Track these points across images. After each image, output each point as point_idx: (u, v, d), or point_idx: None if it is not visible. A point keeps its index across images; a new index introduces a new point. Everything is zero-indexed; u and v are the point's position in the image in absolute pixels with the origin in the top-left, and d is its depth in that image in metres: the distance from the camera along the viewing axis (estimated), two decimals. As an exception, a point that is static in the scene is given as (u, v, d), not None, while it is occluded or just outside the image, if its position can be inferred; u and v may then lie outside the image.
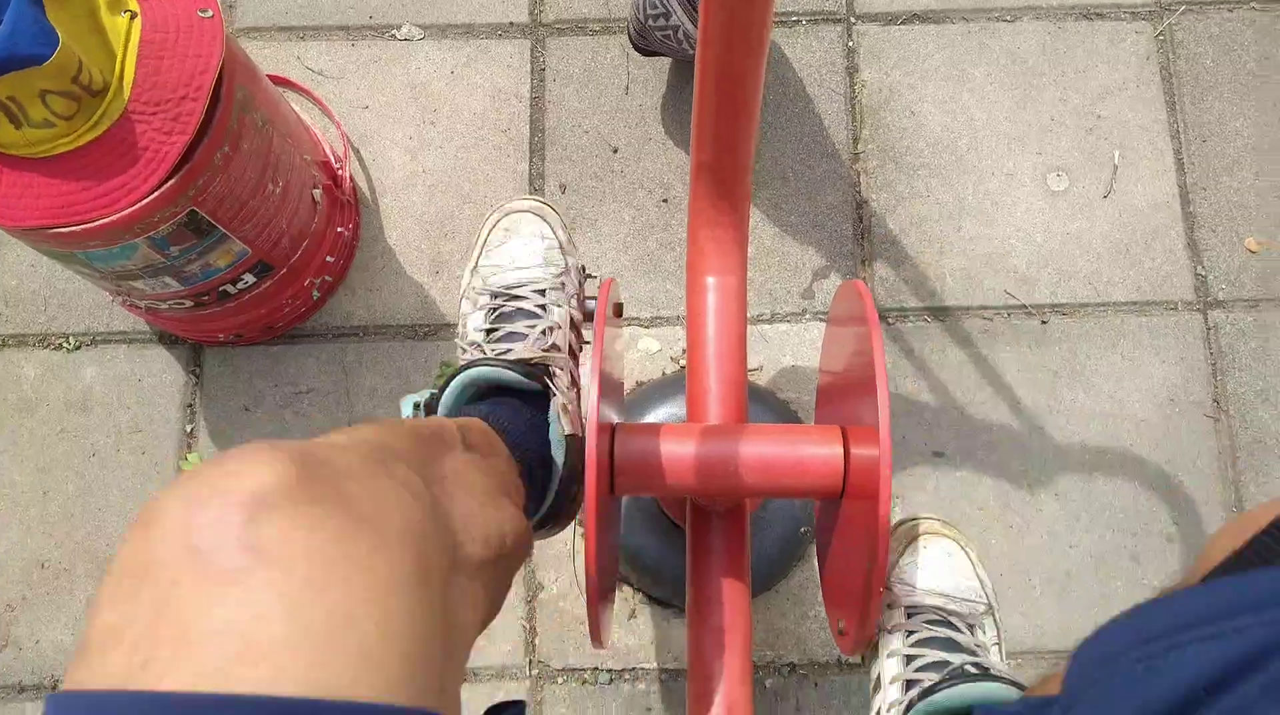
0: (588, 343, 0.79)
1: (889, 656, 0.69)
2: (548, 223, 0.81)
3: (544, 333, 0.73)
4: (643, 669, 1.01)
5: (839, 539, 0.69)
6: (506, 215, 0.81)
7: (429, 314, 1.10)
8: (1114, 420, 1.08)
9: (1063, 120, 1.17)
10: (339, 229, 1.06)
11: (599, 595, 0.62)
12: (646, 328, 1.10)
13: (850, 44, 1.20)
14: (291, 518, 0.29)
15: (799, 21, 1.20)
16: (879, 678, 0.69)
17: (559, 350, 0.73)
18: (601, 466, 0.63)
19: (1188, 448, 1.07)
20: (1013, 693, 0.63)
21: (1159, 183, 1.15)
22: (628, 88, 1.17)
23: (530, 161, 1.15)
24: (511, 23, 1.20)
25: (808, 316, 1.10)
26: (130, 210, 0.76)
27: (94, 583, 1.03)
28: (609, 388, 0.67)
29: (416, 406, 0.66)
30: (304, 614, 0.27)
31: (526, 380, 0.67)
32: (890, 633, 0.69)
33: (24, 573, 1.04)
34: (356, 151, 1.15)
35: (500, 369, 0.67)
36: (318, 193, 1.01)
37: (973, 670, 0.66)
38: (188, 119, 0.77)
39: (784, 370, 1.09)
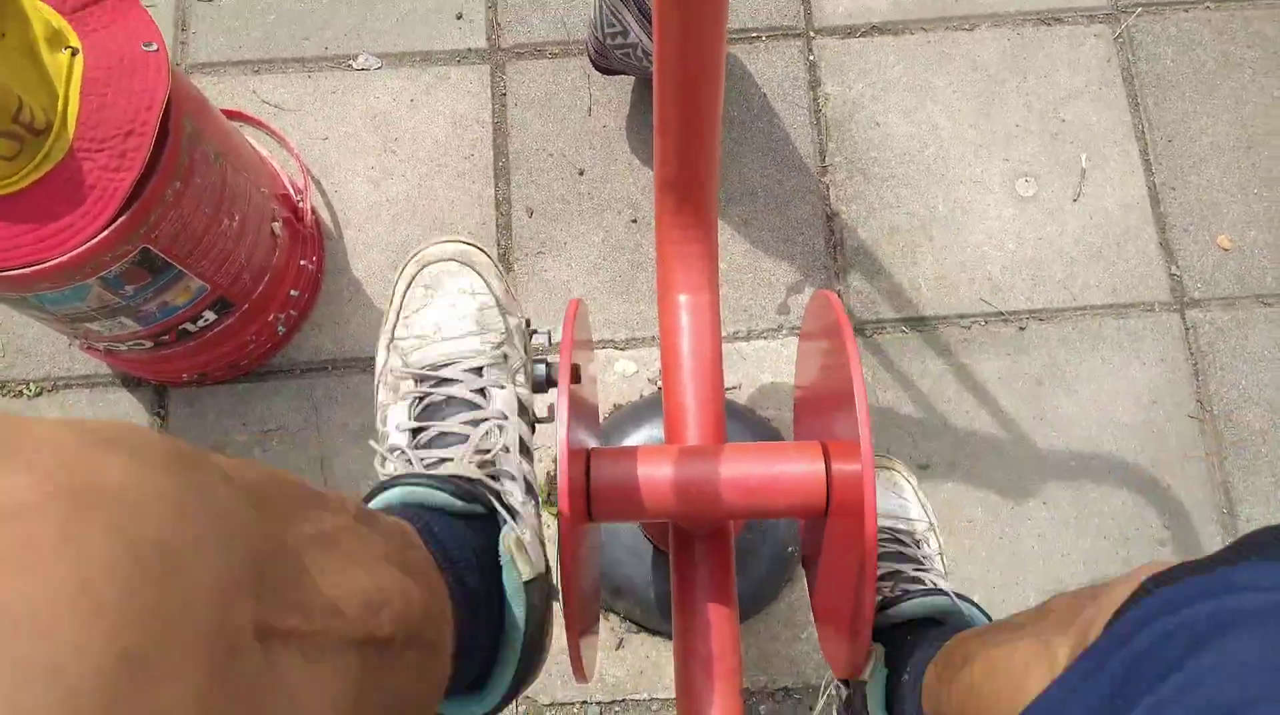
0: (543, 420, 0.64)
1: None
2: (478, 272, 0.64)
3: (486, 432, 0.57)
4: (632, 700, 0.98)
5: (826, 557, 0.67)
6: (425, 267, 0.64)
7: (397, 346, 1.08)
8: (1098, 425, 1.06)
9: (1027, 126, 1.17)
10: (302, 262, 1.04)
11: (579, 628, 0.60)
12: (622, 349, 1.08)
13: (811, 58, 1.19)
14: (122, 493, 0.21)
15: (759, 37, 1.20)
16: None
17: (508, 451, 0.58)
18: (577, 493, 0.61)
19: (1174, 450, 1.06)
20: (962, 605, 0.69)
21: (1128, 184, 1.15)
22: (590, 109, 1.16)
23: (496, 186, 1.14)
24: (470, 48, 1.19)
25: (784, 332, 1.09)
26: (79, 250, 0.74)
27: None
28: (583, 412, 0.65)
29: None
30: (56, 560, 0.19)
31: (465, 503, 0.53)
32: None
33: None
34: (318, 183, 1.13)
35: (430, 489, 0.52)
36: (278, 226, 0.99)
37: (926, 582, 0.72)
38: (134, 154, 0.75)
39: (763, 387, 1.07)
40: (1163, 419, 1.07)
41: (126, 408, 1.06)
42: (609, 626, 1.00)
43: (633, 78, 1.16)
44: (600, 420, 1.00)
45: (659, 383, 1.06)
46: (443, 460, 0.56)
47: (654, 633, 0.99)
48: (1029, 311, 1.10)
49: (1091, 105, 1.18)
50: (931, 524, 0.84)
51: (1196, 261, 1.12)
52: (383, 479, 0.55)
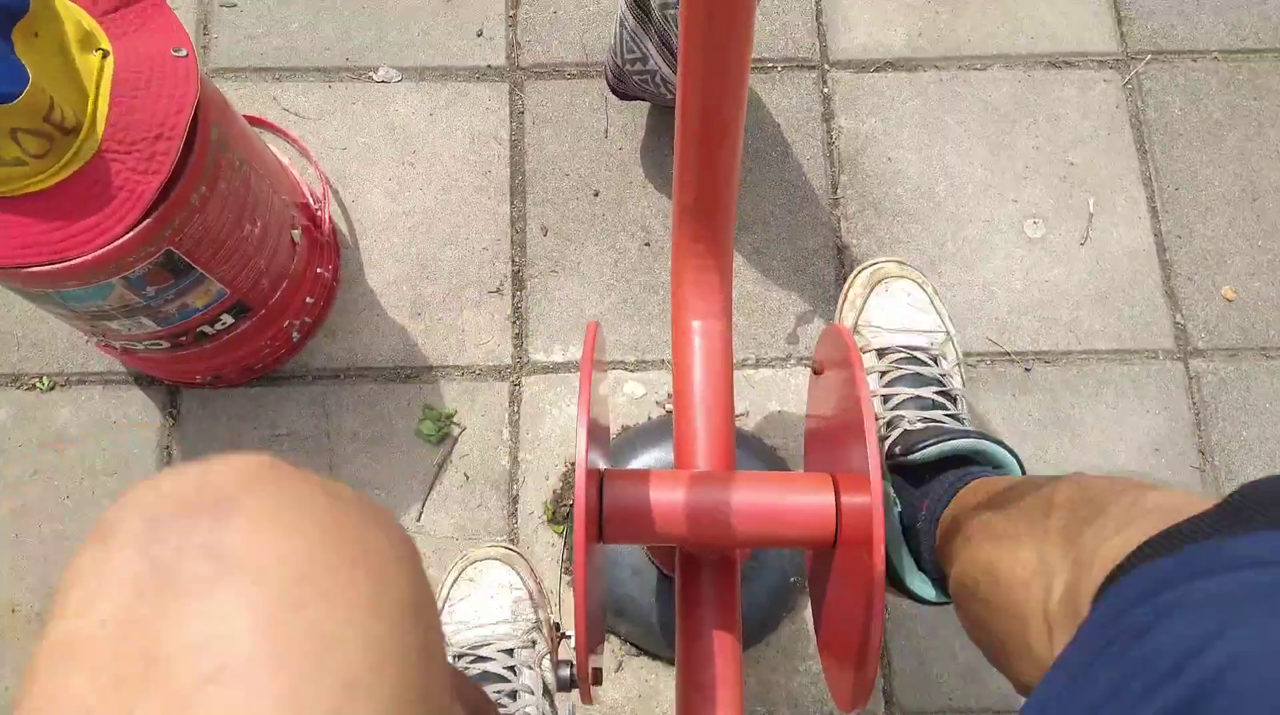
0: None
1: None
2: (516, 571, 0.77)
3: (512, 699, 0.67)
4: (625, 722, 0.98)
5: (833, 589, 0.68)
6: (470, 564, 0.76)
7: (410, 357, 1.09)
8: (1100, 471, 1.07)
9: (1037, 167, 1.19)
10: (318, 270, 1.05)
11: (588, 648, 0.60)
12: (631, 371, 1.09)
13: (825, 91, 1.21)
14: (261, 521, 0.26)
15: (775, 68, 1.22)
16: None
17: None
18: (590, 514, 0.62)
19: (1170, 493, 1.07)
20: (989, 446, 0.70)
21: (1134, 230, 1.16)
22: (607, 131, 1.18)
23: (511, 203, 1.15)
24: (489, 65, 1.20)
25: (793, 361, 1.10)
26: (105, 250, 0.74)
27: (53, 636, 0.99)
28: (595, 432, 0.66)
29: None
30: (277, 632, 0.24)
31: None
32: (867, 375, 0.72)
33: (-15, 622, 1.00)
34: (335, 193, 1.14)
35: None
36: (297, 233, 1.00)
37: (949, 407, 0.75)
38: (163, 158, 0.76)
39: (770, 416, 1.08)
40: (1165, 468, 1.08)
41: (139, 407, 1.06)
42: (610, 649, 1.00)
43: (649, 103, 1.17)
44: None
45: (667, 406, 1.07)
46: None
47: (654, 657, 0.99)
48: (1034, 353, 1.11)
49: (1100, 150, 1.19)
50: (949, 333, 0.85)
51: (1201, 311, 1.14)
52: None
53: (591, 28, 1.22)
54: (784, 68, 1.22)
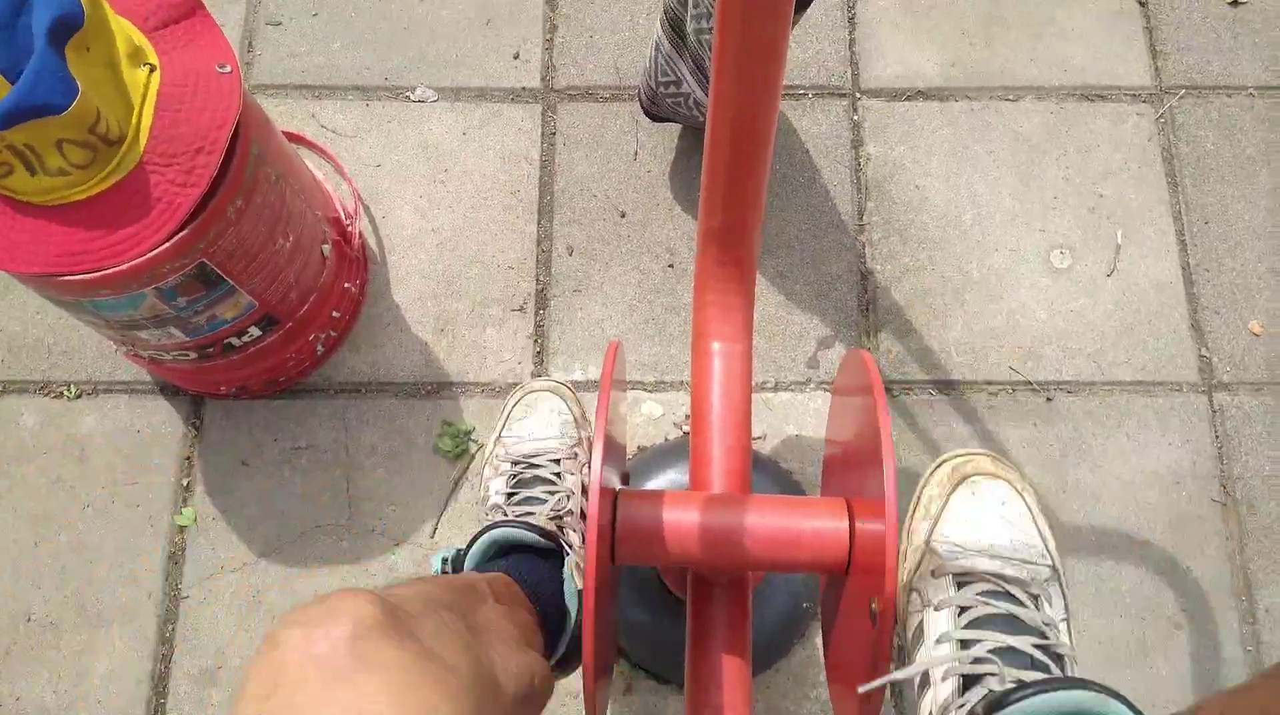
0: None
1: (938, 643, 0.57)
2: (565, 401, 0.90)
3: (559, 499, 0.80)
4: (636, 743, 0.98)
5: (844, 615, 0.68)
6: (529, 393, 0.91)
7: (432, 372, 1.10)
8: (1121, 501, 1.06)
9: (1065, 199, 1.18)
10: (346, 285, 1.07)
11: (597, 669, 0.61)
12: (650, 391, 1.10)
13: (855, 118, 1.22)
14: (384, 639, 0.38)
15: (805, 95, 1.22)
16: (926, 672, 0.57)
17: (572, 515, 0.80)
18: (603, 534, 0.62)
19: (1195, 533, 1.06)
20: (1109, 703, 0.51)
21: (1162, 263, 1.16)
22: (636, 154, 1.19)
23: (539, 223, 1.16)
24: (524, 88, 1.22)
25: (812, 386, 1.10)
26: (140, 260, 0.76)
27: (82, 638, 1.01)
28: (612, 452, 0.66)
29: (445, 561, 0.73)
30: (403, 702, 0.36)
31: (544, 540, 0.74)
32: (937, 610, 0.58)
33: (10, 625, 1.01)
34: (367, 208, 1.16)
35: (521, 530, 0.74)
36: (327, 248, 1.02)
37: (1054, 670, 0.54)
38: (202, 172, 0.78)
39: (787, 440, 1.08)
40: (1185, 501, 1.07)
41: (163, 416, 1.08)
42: (618, 670, 1.00)
43: (680, 126, 1.19)
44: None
45: (684, 427, 1.07)
46: (528, 513, 0.79)
47: (663, 680, 0.99)
48: (1057, 383, 1.11)
49: (1130, 183, 1.19)
50: (1055, 567, 0.62)
51: (1227, 345, 1.13)
52: (485, 523, 0.78)
53: (626, 52, 1.23)
54: (815, 94, 1.22)
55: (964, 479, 0.64)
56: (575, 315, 1.12)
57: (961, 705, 0.53)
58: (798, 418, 1.09)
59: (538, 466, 0.83)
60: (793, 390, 1.10)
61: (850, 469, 0.70)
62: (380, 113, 1.20)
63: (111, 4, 0.77)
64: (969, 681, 0.55)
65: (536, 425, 0.87)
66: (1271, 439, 1.09)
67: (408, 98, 1.21)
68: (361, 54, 1.23)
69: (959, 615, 0.57)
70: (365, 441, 1.07)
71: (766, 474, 1.02)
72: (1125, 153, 1.20)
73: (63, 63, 0.70)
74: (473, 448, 1.07)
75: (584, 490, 0.83)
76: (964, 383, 1.11)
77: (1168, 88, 1.23)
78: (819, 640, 1.00)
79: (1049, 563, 0.61)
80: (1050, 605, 0.59)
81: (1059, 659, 0.56)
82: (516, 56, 1.23)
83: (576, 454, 0.85)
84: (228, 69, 0.82)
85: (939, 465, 0.66)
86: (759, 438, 1.07)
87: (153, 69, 0.79)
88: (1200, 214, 1.18)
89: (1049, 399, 1.10)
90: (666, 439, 1.07)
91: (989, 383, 1.11)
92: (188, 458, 1.07)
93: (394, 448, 1.07)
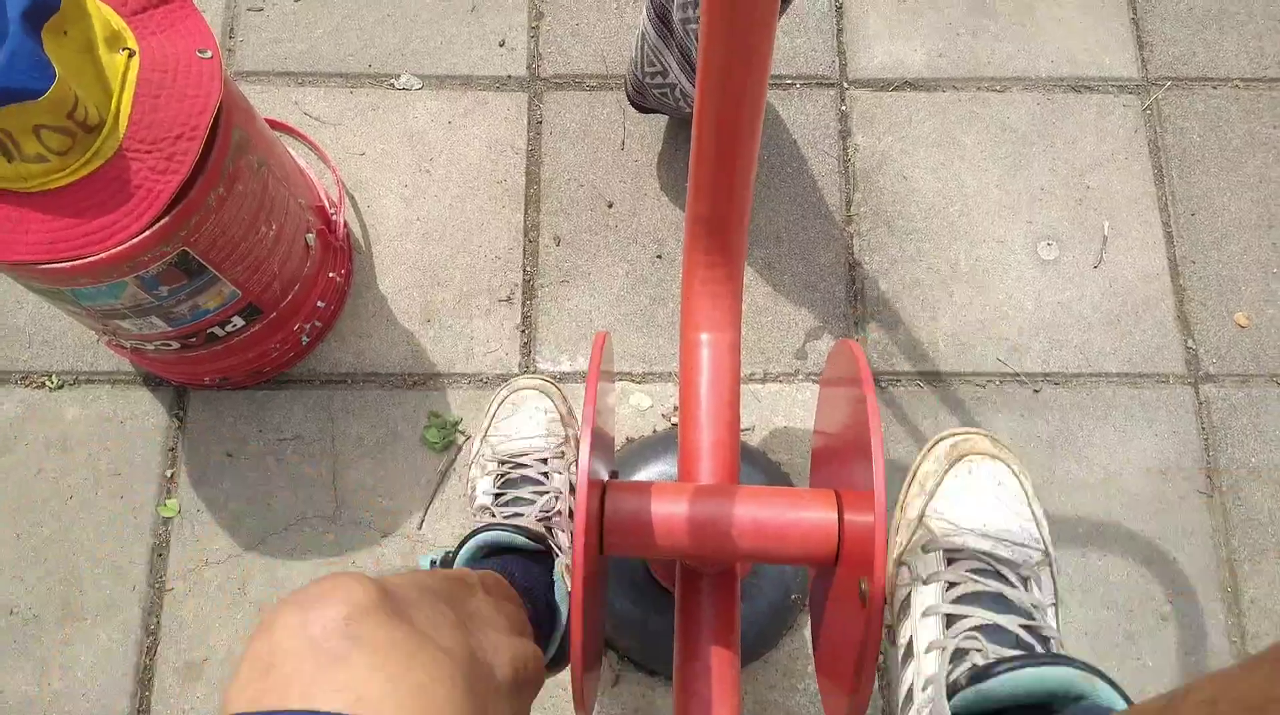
0: None
1: (924, 616, 0.57)
2: (551, 399, 0.88)
3: (547, 500, 0.79)
4: (623, 735, 0.98)
5: (833, 607, 0.67)
6: (515, 392, 0.89)
7: (419, 363, 1.09)
8: (1107, 493, 1.07)
9: (1052, 190, 1.18)
10: (331, 274, 1.06)
11: (586, 660, 0.60)
12: (638, 383, 1.09)
13: (843, 108, 1.21)
14: (378, 621, 0.38)
15: (793, 85, 1.22)
16: (910, 643, 0.57)
17: (561, 515, 0.79)
18: (591, 525, 0.62)
19: (1181, 523, 1.06)
20: (1096, 683, 0.50)
21: (1149, 255, 1.16)
22: (624, 143, 1.18)
23: (525, 213, 1.15)
24: (510, 76, 1.21)
25: (800, 377, 1.10)
26: (120, 248, 0.75)
27: (64, 631, 1.00)
28: (600, 444, 0.66)
29: (433, 562, 0.73)
30: (398, 682, 0.36)
31: (533, 543, 0.73)
32: (926, 584, 0.58)
33: (-13, 617, 1.00)
34: (351, 197, 1.15)
35: (509, 533, 0.73)
36: (311, 237, 1.00)
37: (1037, 648, 0.54)
38: (183, 158, 0.77)
39: (776, 431, 1.08)
40: (1171, 492, 1.07)
41: (146, 407, 1.07)
42: (607, 663, 1.00)
43: (667, 116, 1.18)
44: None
45: (673, 419, 1.07)
46: (516, 515, 0.78)
47: (652, 672, 0.99)
48: (1044, 374, 1.11)
49: (1117, 174, 1.19)
50: (1047, 552, 0.62)
51: (1213, 336, 1.13)
52: (476, 526, 0.75)
53: (612, 41, 1.22)
54: (803, 85, 1.22)
55: (961, 457, 0.64)
56: (563, 305, 1.12)
57: (946, 677, 0.53)
58: (786, 409, 1.08)
59: (525, 466, 0.82)
60: (781, 381, 1.10)
61: (839, 460, 0.70)
62: (364, 100, 1.19)
63: (90, -13, 0.75)
64: (953, 656, 0.55)
65: (523, 423, 0.86)
66: (1256, 431, 1.10)
67: (392, 85, 1.20)
68: (345, 41, 1.21)
69: (947, 590, 0.58)
70: (351, 433, 1.06)
71: (755, 465, 1.02)
72: (1112, 144, 1.20)
73: (39, 46, 0.69)
74: (460, 439, 1.06)
75: (572, 489, 0.81)
76: (952, 374, 1.11)
77: (1154, 79, 1.23)
78: (807, 632, 1.00)
79: (1041, 547, 0.61)
80: (1040, 589, 0.60)
81: (1045, 641, 0.56)
82: (502, 44, 1.22)
83: (564, 452, 0.84)
84: (208, 54, 0.80)
85: (937, 442, 0.66)
86: (747, 429, 1.07)
87: (132, 54, 0.78)
88: (1187, 206, 1.18)
89: (1036, 391, 1.10)
90: (655, 430, 1.07)
91: (976, 374, 1.11)
92: (171, 449, 1.06)
93: (380, 439, 1.06)
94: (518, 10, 1.23)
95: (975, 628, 0.55)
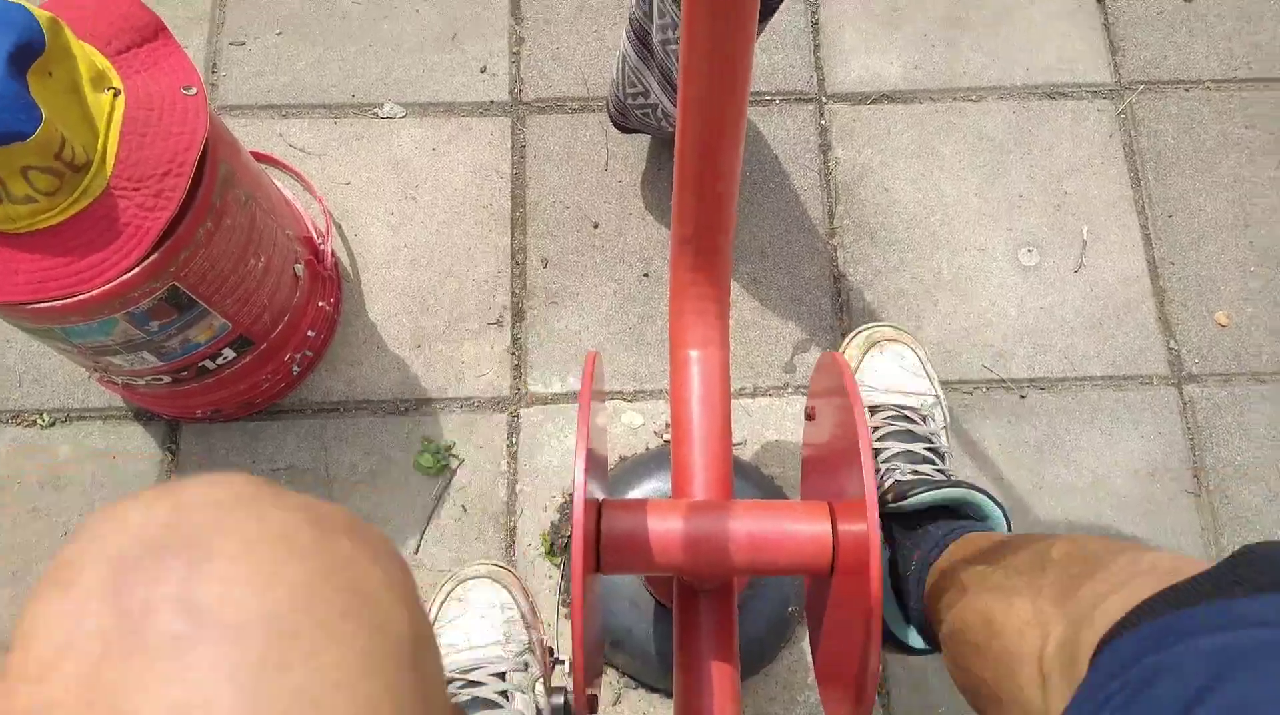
0: None
1: None
2: (507, 589, 0.74)
3: None
4: (626, 753, 0.98)
5: (830, 616, 0.68)
6: (460, 584, 0.74)
7: (410, 389, 1.09)
8: (1096, 496, 1.08)
9: (1031, 197, 1.20)
10: (320, 304, 1.06)
11: (586, 680, 0.61)
12: (629, 401, 1.10)
13: (822, 123, 1.23)
14: (239, 567, 0.23)
15: (772, 100, 1.23)
16: None
17: None
18: (588, 544, 0.62)
19: (1170, 524, 1.07)
20: (978, 497, 0.71)
21: (1128, 258, 1.17)
22: (607, 164, 1.19)
23: (512, 236, 1.16)
24: (492, 101, 1.22)
25: (789, 390, 1.11)
26: (110, 286, 0.76)
27: (56, 669, 0.99)
28: (594, 463, 0.66)
29: None
30: (260, 699, 0.22)
31: None
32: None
33: (-17, 659, 1.00)
34: (338, 226, 1.16)
35: None
36: (300, 268, 1.01)
37: (939, 463, 0.78)
38: (170, 195, 0.77)
39: (768, 444, 1.08)
40: (1160, 492, 1.08)
41: (139, 442, 1.07)
42: (607, 681, 1.00)
43: (649, 136, 1.19)
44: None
45: (665, 436, 1.08)
46: None
47: (652, 689, 0.99)
48: (1029, 380, 1.12)
49: (1093, 179, 1.21)
50: (938, 397, 0.89)
51: (1194, 337, 1.14)
52: None
53: (593, 64, 1.24)
54: (782, 100, 1.23)
55: (874, 343, 0.94)
56: (552, 327, 1.12)
57: (879, 489, 0.73)
58: (777, 422, 1.09)
59: (478, 684, 0.67)
60: (771, 395, 1.11)
61: (829, 471, 0.71)
62: (348, 130, 1.20)
63: (73, 28, 0.76)
64: (884, 475, 0.77)
65: (473, 627, 0.71)
66: (1241, 429, 1.11)
67: (375, 114, 1.21)
68: (327, 72, 1.22)
69: (873, 432, 0.80)
70: (345, 461, 1.07)
71: (748, 479, 1.03)
72: (1088, 149, 1.22)
73: (25, 89, 0.70)
74: (453, 463, 1.07)
75: (537, 713, 0.68)
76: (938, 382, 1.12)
77: (1127, 83, 1.25)
78: (806, 644, 1.00)
79: (934, 393, 0.89)
80: (934, 421, 0.87)
81: (941, 456, 0.82)
82: (484, 70, 1.23)
83: (527, 664, 0.69)
84: (193, 91, 0.81)
85: (855, 335, 0.97)
86: (739, 443, 1.08)
87: (117, 93, 0.79)
88: (1164, 208, 1.20)
89: (1022, 396, 1.12)
90: (648, 448, 1.07)
91: (962, 382, 1.12)
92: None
93: (374, 466, 1.06)
94: (498, 36, 1.25)
95: (894, 455, 0.79)
